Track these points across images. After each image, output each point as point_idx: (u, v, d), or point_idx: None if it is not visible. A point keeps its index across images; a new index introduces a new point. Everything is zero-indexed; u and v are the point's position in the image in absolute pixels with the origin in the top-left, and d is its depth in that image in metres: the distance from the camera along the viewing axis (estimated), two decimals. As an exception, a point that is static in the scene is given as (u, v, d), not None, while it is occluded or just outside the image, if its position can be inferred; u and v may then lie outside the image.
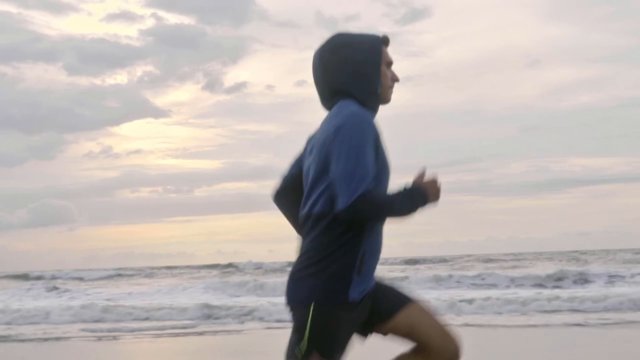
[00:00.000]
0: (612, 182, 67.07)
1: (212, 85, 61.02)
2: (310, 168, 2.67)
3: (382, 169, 2.62)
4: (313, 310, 2.55)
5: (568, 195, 69.77)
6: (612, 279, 18.65)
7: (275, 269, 34.73)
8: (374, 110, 2.74)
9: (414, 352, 2.80)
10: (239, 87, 62.25)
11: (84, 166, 64.65)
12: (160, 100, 61.75)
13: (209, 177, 64.72)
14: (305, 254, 2.63)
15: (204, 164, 65.97)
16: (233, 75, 61.54)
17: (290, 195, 2.86)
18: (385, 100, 2.77)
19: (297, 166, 2.86)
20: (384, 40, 2.76)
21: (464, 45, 65.75)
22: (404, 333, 2.76)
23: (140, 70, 60.31)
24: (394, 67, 2.80)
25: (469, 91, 65.82)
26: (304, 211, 2.67)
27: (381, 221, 2.64)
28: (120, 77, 59.84)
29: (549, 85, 62.07)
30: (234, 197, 63.65)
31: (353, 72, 2.68)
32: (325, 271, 2.57)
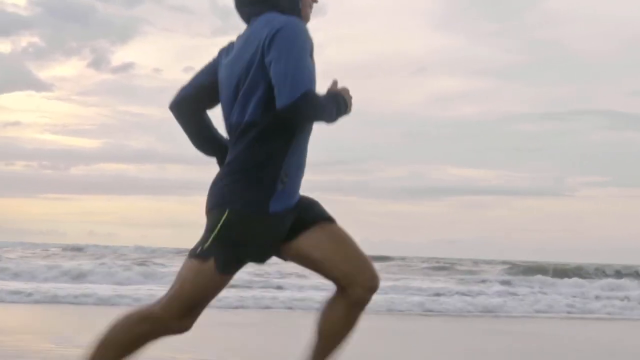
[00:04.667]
0: (484, 194, 69.76)
1: (98, 63, 59.39)
2: (234, 75, 2.62)
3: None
4: (227, 215, 2.54)
5: (442, 203, 72.07)
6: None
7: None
8: None
9: (334, 298, 2.72)
10: (125, 67, 60.63)
11: (-43, 135, 61.38)
12: (44, 73, 59.48)
13: (87, 155, 62.58)
14: (231, 162, 2.61)
15: (83, 142, 63.77)
16: (121, 55, 59.88)
17: (193, 104, 2.81)
18: (305, 18, 2.73)
19: (207, 76, 2.78)
20: None
21: (354, 46, 66.61)
22: (316, 248, 2.70)
23: (25, 40, 57.85)
24: None
25: (356, 92, 66.72)
26: (233, 119, 2.63)
27: (317, 122, 2.63)
28: (3, 46, 57.09)
29: (434, 93, 63.59)
30: (112, 178, 61.89)
31: None
32: (249, 180, 2.56)
